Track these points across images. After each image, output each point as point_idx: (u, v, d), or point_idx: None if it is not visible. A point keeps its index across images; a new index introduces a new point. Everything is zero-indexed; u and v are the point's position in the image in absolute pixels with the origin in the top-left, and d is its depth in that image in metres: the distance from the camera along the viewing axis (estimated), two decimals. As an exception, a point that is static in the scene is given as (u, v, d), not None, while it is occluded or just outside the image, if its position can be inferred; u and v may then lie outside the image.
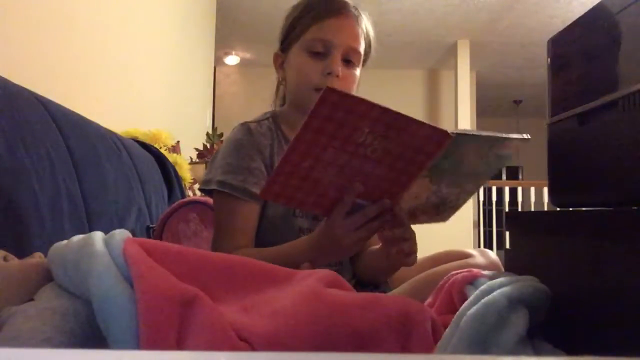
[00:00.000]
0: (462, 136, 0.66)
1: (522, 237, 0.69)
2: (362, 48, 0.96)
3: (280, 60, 1.01)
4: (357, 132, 0.63)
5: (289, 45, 0.97)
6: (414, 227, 0.80)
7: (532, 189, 5.05)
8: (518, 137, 0.69)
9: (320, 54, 0.93)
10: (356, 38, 0.94)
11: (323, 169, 0.68)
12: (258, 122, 0.99)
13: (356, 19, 0.95)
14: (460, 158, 0.71)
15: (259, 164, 0.92)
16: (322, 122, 0.62)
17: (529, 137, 0.68)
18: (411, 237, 0.78)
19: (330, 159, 0.66)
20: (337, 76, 0.92)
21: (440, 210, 0.82)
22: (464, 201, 0.82)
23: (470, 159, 0.72)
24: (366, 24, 0.98)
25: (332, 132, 0.63)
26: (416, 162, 0.68)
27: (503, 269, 0.80)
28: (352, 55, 0.95)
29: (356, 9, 0.96)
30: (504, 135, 0.69)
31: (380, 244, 0.86)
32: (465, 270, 0.62)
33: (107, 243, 0.50)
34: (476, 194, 5.18)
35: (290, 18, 0.97)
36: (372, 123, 0.63)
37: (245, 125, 0.97)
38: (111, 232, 0.53)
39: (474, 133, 0.68)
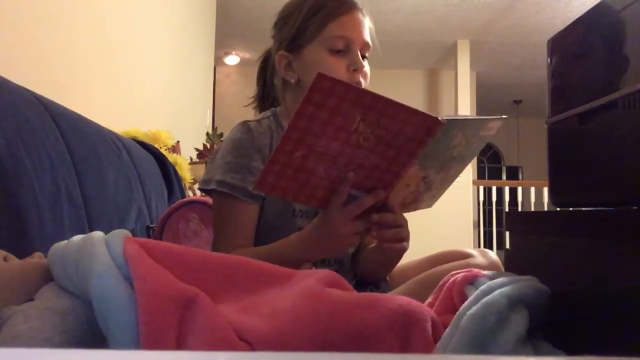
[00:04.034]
0: (451, 121, 0.68)
1: (522, 237, 0.69)
2: (370, 42, 0.97)
3: (286, 60, 0.98)
4: (350, 119, 0.65)
5: (301, 45, 0.95)
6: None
7: (532, 189, 5.05)
8: (497, 118, 0.75)
9: (340, 51, 0.93)
10: (367, 33, 0.96)
11: (317, 158, 0.69)
12: (258, 120, 0.98)
13: (363, 14, 0.97)
14: (448, 143, 0.73)
15: (259, 163, 0.92)
16: (315, 108, 0.63)
17: (506, 116, 0.77)
18: (403, 225, 0.80)
19: (324, 147, 0.67)
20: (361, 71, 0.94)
21: (427, 197, 0.85)
22: (448, 185, 0.84)
23: (457, 143, 0.75)
24: (368, 18, 0.99)
25: (325, 119, 0.64)
26: (408, 151, 0.69)
27: (503, 269, 0.80)
28: (366, 50, 0.96)
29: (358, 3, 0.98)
30: (487, 118, 0.74)
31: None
32: (466, 270, 0.62)
33: (107, 243, 0.50)
34: (476, 193, 5.18)
35: (295, 17, 0.96)
36: (364, 110, 0.64)
37: (244, 124, 0.96)
38: (111, 232, 0.53)
39: (461, 118, 0.71)
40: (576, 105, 0.62)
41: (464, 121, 0.72)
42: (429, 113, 0.65)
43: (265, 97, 1.09)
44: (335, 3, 0.94)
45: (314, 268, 0.87)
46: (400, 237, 0.80)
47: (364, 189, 0.74)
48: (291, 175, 0.70)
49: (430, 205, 0.88)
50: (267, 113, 1.01)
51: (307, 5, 0.95)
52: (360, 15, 0.96)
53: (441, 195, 0.86)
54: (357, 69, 0.93)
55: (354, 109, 0.64)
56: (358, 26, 0.95)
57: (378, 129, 0.66)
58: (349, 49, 0.93)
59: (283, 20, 0.99)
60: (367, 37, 0.96)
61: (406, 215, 0.83)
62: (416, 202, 0.84)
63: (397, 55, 5.67)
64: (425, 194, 0.83)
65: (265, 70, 1.08)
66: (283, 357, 0.29)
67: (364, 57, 0.96)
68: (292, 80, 0.98)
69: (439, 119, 0.66)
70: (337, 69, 0.92)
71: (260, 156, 0.93)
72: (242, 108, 1.15)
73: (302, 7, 0.95)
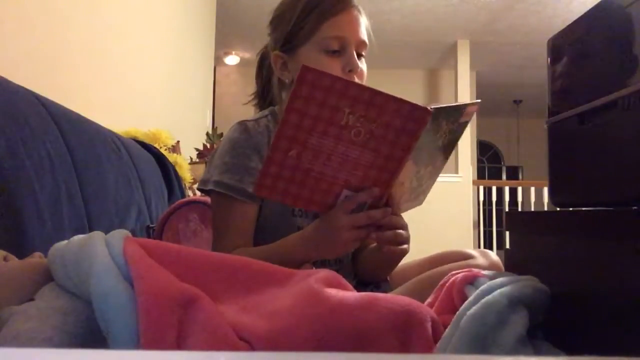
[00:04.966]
0: (438, 110, 0.68)
1: (522, 237, 0.69)
2: (367, 40, 0.96)
3: (281, 61, 0.97)
4: (339, 112, 0.65)
5: (296, 45, 0.94)
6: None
7: (532, 189, 5.05)
8: (473, 102, 0.77)
9: (335, 51, 0.92)
10: (363, 31, 0.95)
11: (311, 157, 0.69)
12: (256, 120, 0.97)
13: (359, 11, 0.95)
14: (435, 133, 0.73)
15: (257, 163, 0.92)
16: (303, 103, 0.64)
17: (479, 100, 0.81)
18: (404, 227, 0.80)
19: (317, 145, 0.68)
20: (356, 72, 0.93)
21: (419, 193, 0.85)
22: (435, 179, 0.85)
23: (442, 132, 0.75)
24: (364, 15, 0.98)
25: (314, 114, 0.65)
26: (400, 145, 0.68)
27: (503, 269, 0.80)
28: (362, 49, 0.95)
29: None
30: (465, 103, 0.76)
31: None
32: (466, 270, 0.62)
33: (107, 243, 0.50)
34: (476, 193, 5.16)
35: (289, 16, 0.94)
36: (352, 102, 0.64)
37: (242, 124, 0.96)
38: (111, 232, 0.53)
39: (444, 105, 0.71)
40: (576, 105, 0.62)
41: (448, 108, 0.72)
42: (416, 103, 0.65)
43: (264, 95, 1.08)
44: (329, 1, 0.92)
45: (314, 268, 0.87)
46: (400, 240, 0.80)
47: (361, 188, 0.74)
48: (288, 176, 0.70)
49: (421, 202, 0.88)
50: (265, 112, 1.00)
51: (300, 4, 0.93)
52: (355, 13, 0.94)
53: (429, 191, 0.86)
54: (353, 70, 0.92)
55: (341, 101, 0.64)
56: (353, 24, 0.93)
57: (368, 122, 0.66)
58: (344, 49, 0.92)
59: (277, 19, 0.98)
60: (363, 35, 0.94)
61: (406, 215, 0.83)
62: (409, 200, 0.84)
63: (397, 55, 5.67)
64: (417, 190, 0.83)
65: (263, 68, 1.07)
66: (283, 357, 0.29)
67: (360, 55, 0.94)
68: (287, 81, 0.97)
69: (428, 107, 0.65)
70: (332, 70, 0.90)
71: (258, 156, 0.92)
72: (242, 108, 1.14)
73: (296, 6, 0.94)
